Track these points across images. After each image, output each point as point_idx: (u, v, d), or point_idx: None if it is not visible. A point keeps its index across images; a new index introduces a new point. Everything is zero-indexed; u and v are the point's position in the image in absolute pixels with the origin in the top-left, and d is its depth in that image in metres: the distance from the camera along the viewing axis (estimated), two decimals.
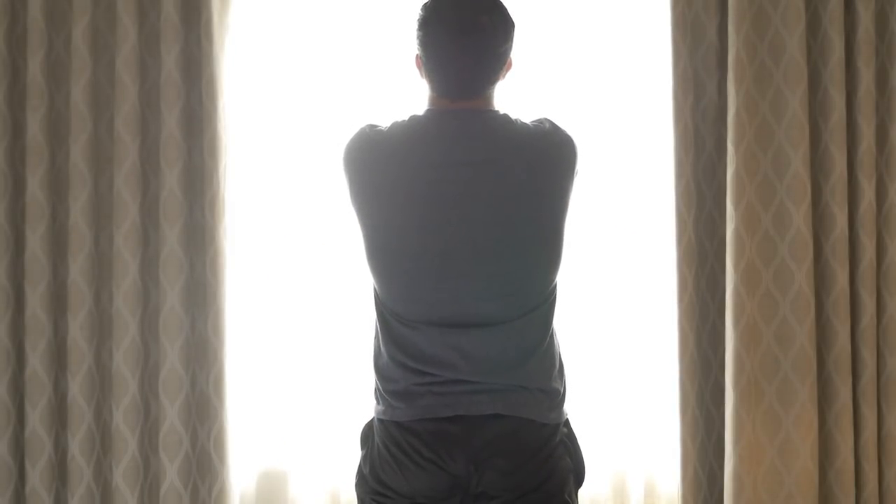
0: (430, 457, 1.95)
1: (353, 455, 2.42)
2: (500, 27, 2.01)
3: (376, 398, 2.05)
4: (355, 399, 2.59)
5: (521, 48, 2.10)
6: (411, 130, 2.04)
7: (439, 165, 1.99)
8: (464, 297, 1.98)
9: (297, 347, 2.67)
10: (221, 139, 2.54)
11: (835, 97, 2.51)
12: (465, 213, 1.97)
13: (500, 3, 2.03)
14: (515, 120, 2.04)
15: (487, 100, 2.05)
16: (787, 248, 2.51)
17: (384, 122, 2.08)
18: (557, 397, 2.03)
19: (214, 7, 2.54)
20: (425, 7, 2.00)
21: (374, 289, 2.07)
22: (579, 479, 2.06)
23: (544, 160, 2.02)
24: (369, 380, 2.11)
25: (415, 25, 2.02)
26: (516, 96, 2.21)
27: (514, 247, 1.99)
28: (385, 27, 2.67)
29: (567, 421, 2.06)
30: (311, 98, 2.69)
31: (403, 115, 2.07)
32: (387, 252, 2.02)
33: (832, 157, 2.52)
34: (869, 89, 2.52)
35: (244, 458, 2.66)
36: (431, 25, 1.99)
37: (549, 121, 2.08)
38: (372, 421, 2.07)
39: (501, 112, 2.05)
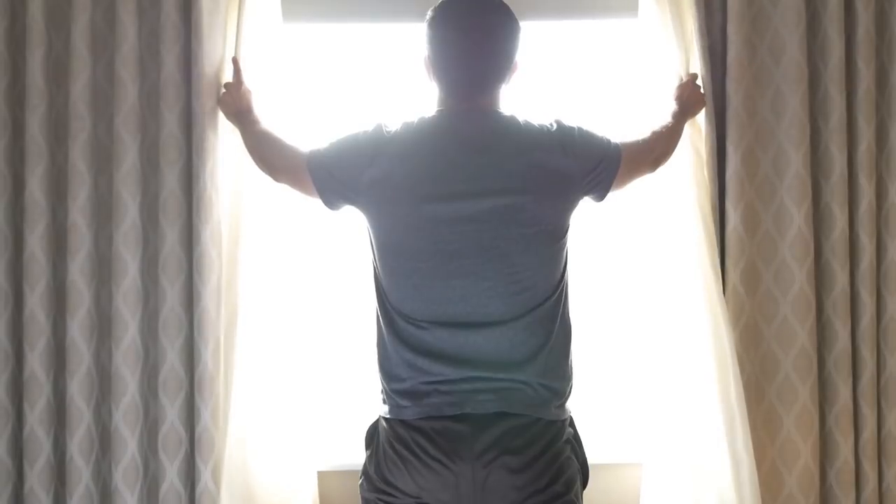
0: (436, 455, 1.95)
1: (350, 455, 2.43)
2: (508, 28, 2.03)
3: (383, 398, 2.06)
4: (353, 400, 2.60)
5: (526, 51, 2.11)
6: (419, 130, 2.05)
7: (446, 165, 2.00)
8: (471, 296, 1.99)
9: (296, 348, 2.66)
10: (221, 139, 2.54)
11: (835, 97, 2.51)
12: (471, 213, 1.98)
13: (507, 5, 2.05)
14: (522, 121, 2.05)
15: (494, 100, 2.07)
16: (787, 248, 2.51)
17: (393, 122, 2.09)
18: (563, 395, 2.03)
19: (214, 7, 2.53)
20: (434, 8, 2.03)
21: (380, 289, 2.07)
22: (585, 479, 2.07)
23: (549, 160, 2.03)
24: (370, 381, 2.11)
25: (424, 26, 2.04)
26: (522, 98, 2.22)
27: (520, 245, 2.00)
28: (385, 26, 2.67)
29: (571, 420, 2.07)
30: (312, 97, 2.68)
31: (412, 116, 2.08)
32: (394, 252, 2.03)
33: (832, 157, 2.52)
34: (869, 89, 2.52)
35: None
36: (440, 25, 2.01)
37: (556, 121, 2.08)
38: (377, 421, 2.08)
39: (508, 113, 2.06)
